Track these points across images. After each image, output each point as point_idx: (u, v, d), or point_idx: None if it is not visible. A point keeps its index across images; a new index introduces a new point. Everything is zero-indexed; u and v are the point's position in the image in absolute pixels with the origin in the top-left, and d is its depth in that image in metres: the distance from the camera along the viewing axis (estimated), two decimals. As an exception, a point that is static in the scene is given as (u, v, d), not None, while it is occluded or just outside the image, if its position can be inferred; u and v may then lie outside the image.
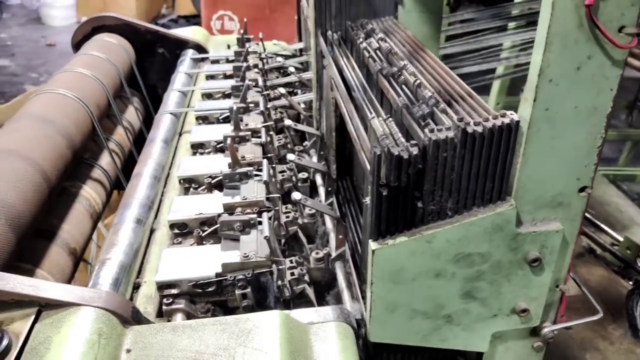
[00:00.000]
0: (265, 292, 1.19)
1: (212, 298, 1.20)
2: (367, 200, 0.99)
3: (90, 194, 1.92)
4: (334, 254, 1.35)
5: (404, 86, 1.21)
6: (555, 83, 0.90)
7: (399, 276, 1.04)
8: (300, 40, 2.72)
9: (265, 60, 2.40)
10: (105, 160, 2.12)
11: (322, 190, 1.57)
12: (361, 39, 1.52)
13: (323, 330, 1.09)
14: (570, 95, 0.91)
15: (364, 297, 1.21)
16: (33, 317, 0.97)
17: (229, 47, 2.86)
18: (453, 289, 1.08)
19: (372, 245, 1.01)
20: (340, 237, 1.34)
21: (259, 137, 1.71)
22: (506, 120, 0.93)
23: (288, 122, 1.69)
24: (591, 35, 0.87)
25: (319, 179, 1.69)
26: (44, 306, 0.98)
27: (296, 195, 1.27)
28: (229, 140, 1.48)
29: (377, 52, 1.41)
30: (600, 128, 0.96)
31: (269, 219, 1.22)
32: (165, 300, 1.16)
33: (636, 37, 0.89)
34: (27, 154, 1.51)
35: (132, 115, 2.53)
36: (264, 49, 2.54)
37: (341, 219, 1.36)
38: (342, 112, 1.36)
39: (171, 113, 2.00)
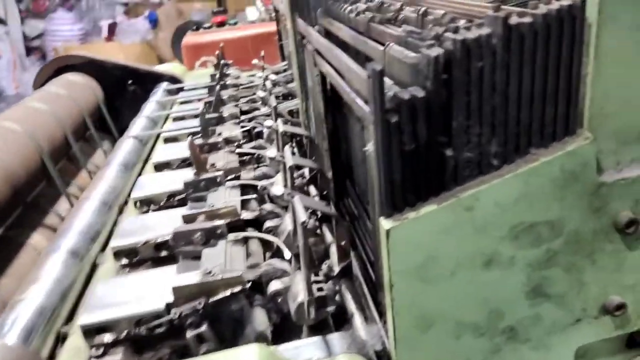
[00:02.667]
0: (240, 324, 0.83)
1: (166, 342, 0.84)
2: (369, 147, 0.65)
3: (40, 243, 1.59)
4: (336, 269, 1.00)
5: (405, 25, 0.90)
6: None
7: (430, 269, 0.69)
8: (283, 59, 2.49)
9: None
10: (63, 206, 1.80)
11: (314, 191, 1.23)
12: (345, 7, 1.25)
13: (328, 369, 0.72)
14: (655, -47, 0.60)
15: (382, 315, 0.85)
16: None
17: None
18: (514, 284, 0.72)
19: (385, 224, 0.67)
20: (344, 243, 0.99)
21: (235, 146, 1.40)
22: (565, 3, 0.62)
23: (269, 122, 1.38)
24: None
25: (312, 188, 1.36)
26: None
27: (277, 190, 0.94)
28: (189, 138, 1.17)
29: (366, 11, 1.13)
30: (703, 7, 0.64)
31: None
32: (94, 352, 0.80)
33: None
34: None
35: (100, 159, 2.23)
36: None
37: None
38: (328, 73, 1.05)
39: (135, 137, 1.70)
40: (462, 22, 0.74)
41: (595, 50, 0.64)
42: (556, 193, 0.67)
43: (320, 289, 0.86)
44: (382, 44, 0.89)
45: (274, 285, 0.91)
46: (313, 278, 0.88)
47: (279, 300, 0.90)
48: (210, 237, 0.92)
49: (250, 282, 0.86)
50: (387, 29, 0.92)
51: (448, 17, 0.76)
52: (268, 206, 1.15)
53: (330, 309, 0.87)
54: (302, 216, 0.80)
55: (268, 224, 1.13)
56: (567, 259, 0.72)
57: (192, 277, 0.82)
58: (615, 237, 0.72)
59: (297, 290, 0.87)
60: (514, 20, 0.61)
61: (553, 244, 0.71)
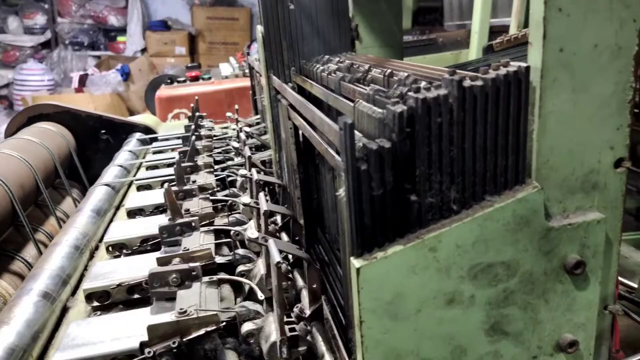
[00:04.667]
0: (214, 363, 0.85)
1: (139, 382, 0.84)
2: (341, 192, 0.71)
3: (5, 289, 1.56)
4: (308, 311, 1.03)
5: (372, 84, 0.99)
6: (567, 13, 0.69)
7: (397, 307, 0.74)
8: (256, 113, 2.57)
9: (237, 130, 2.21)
10: (30, 252, 1.78)
11: (285, 237, 1.28)
12: (318, 67, 1.34)
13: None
14: (587, 29, 0.71)
15: (351, 355, 0.88)
16: None
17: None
18: (474, 321, 0.77)
19: (356, 262, 0.72)
20: (315, 286, 1.03)
21: (209, 193, 1.44)
22: (512, 69, 0.71)
23: (243, 171, 1.43)
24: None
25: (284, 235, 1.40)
26: None
27: (251, 234, 0.98)
28: (165, 186, 1.20)
29: (337, 71, 1.22)
30: (628, 75, 0.74)
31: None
32: (67, 390, 0.80)
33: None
34: None
35: (69, 206, 2.23)
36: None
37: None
38: (301, 126, 1.12)
39: (107, 184, 1.72)
40: (423, 84, 0.82)
41: (539, 110, 0.73)
42: (509, 236, 0.74)
43: (292, 329, 0.89)
44: (352, 101, 0.97)
45: (247, 326, 0.93)
46: (285, 319, 0.91)
47: (252, 341, 0.93)
48: (186, 278, 0.95)
49: (225, 323, 0.89)
50: (356, 87, 1.01)
51: (411, 79, 0.85)
52: (241, 251, 1.19)
53: (302, 349, 0.90)
54: (277, 257, 0.84)
55: (241, 268, 1.16)
56: (522, 298, 0.78)
57: (166, 317, 0.84)
58: (565, 278, 0.79)
59: (270, 330, 0.90)
60: (467, 83, 0.70)
61: (509, 284, 0.77)
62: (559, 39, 0.70)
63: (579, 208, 0.79)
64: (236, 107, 2.42)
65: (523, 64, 0.71)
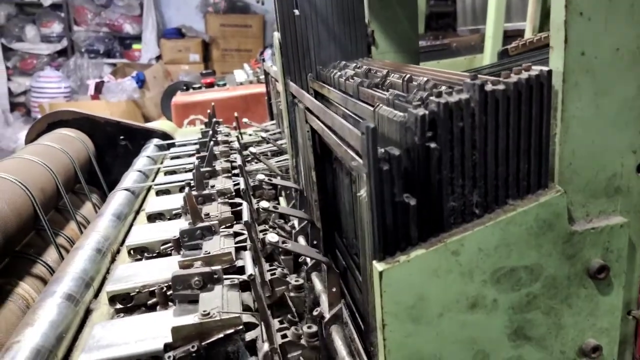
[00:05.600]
0: (237, 366, 0.85)
1: (163, 384, 0.85)
2: (362, 193, 0.72)
3: (28, 292, 1.59)
4: (327, 315, 1.03)
5: (391, 89, 1.00)
6: (588, 17, 0.70)
7: (420, 310, 0.74)
8: (271, 118, 2.59)
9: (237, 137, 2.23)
10: (51, 256, 1.81)
11: (303, 241, 1.28)
12: (335, 72, 1.35)
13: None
14: (608, 33, 0.71)
15: (371, 358, 0.88)
16: None
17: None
18: (497, 326, 0.77)
19: (378, 266, 0.72)
20: (334, 289, 1.03)
21: (227, 198, 1.45)
22: (534, 73, 0.71)
23: (261, 176, 1.44)
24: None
25: (301, 239, 1.41)
26: None
27: (272, 237, 0.99)
28: (186, 190, 1.22)
29: (354, 76, 1.23)
30: (651, 79, 0.74)
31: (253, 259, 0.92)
32: (93, 391, 0.81)
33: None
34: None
35: (89, 211, 2.26)
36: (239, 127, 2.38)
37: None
38: (319, 129, 1.13)
39: (126, 189, 1.74)
40: (443, 88, 0.83)
41: (561, 114, 0.73)
42: (533, 240, 0.74)
43: (284, 336, 0.89)
44: (371, 106, 0.98)
45: (250, 335, 0.93)
46: (278, 325, 0.91)
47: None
48: (208, 281, 0.96)
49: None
50: (375, 92, 1.02)
51: (431, 83, 0.85)
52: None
53: (295, 354, 0.90)
54: (250, 269, 0.85)
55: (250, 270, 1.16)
56: (545, 302, 0.78)
57: (190, 318, 0.86)
58: (589, 282, 0.78)
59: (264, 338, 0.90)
60: (489, 87, 0.70)
61: (532, 288, 0.77)
62: (580, 42, 0.70)
63: (602, 212, 0.78)
64: (235, 114, 2.43)
65: (545, 68, 0.71)
